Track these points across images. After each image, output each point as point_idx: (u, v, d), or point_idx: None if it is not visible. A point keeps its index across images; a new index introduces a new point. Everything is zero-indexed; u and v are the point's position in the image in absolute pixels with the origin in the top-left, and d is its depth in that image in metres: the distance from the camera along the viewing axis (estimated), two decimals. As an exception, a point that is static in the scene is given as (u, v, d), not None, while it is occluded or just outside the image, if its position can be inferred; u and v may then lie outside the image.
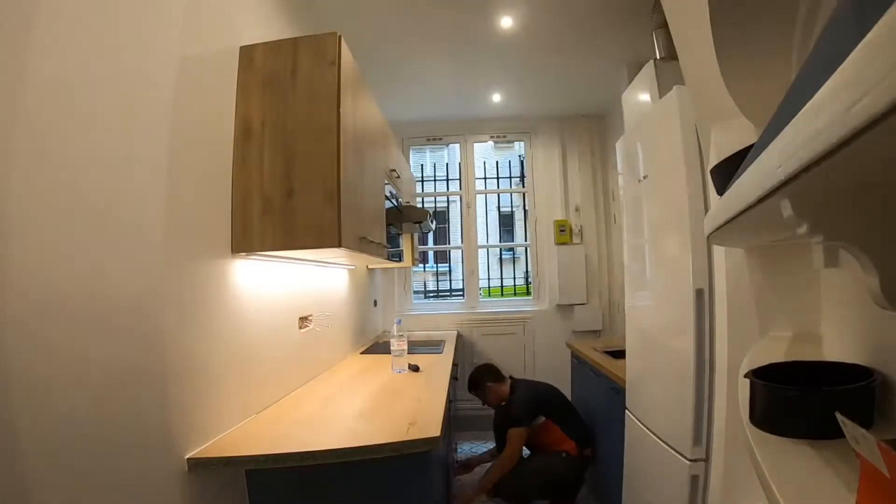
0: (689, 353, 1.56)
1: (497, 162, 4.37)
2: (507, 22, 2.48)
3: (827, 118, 0.29)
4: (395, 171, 2.51)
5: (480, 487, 2.51)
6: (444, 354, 2.74)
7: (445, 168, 4.33)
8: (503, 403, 2.79)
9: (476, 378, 2.86)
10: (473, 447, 3.47)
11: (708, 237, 1.02)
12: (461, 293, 4.25)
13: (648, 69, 2.09)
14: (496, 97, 3.59)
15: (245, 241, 1.46)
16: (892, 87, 0.22)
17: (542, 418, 2.62)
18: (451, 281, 4.68)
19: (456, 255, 4.89)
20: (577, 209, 3.98)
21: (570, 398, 3.25)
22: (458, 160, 4.18)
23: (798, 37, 0.94)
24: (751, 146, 0.69)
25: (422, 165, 4.53)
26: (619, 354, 2.47)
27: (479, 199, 4.22)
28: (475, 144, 4.17)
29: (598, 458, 2.60)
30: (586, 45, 2.75)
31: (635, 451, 2.03)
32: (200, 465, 1.20)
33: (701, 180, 1.55)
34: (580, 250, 3.90)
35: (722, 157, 0.98)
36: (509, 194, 4.50)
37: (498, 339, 3.89)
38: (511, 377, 2.88)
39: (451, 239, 6.91)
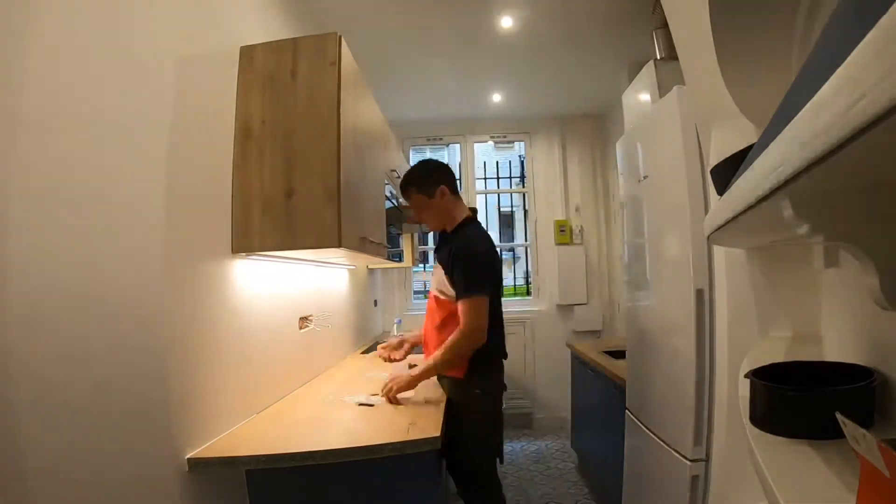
0: (690, 353, 1.56)
1: (497, 162, 4.37)
2: (507, 22, 2.47)
3: (827, 118, 0.29)
4: (395, 171, 2.51)
5: (420, 373, 1.67)
6: (444, 354, 2.73)
7: (445, 168, 4.32)
8: (446, 233, 1.81)
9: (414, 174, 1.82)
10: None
11: (708, 237, 1.02)
12: (461, 293, 4.24)
13: (648, 69, 2.09)
14: (496, 97, 3.59)
15: (245, 241, 1.46)
16: (892, 87, 0.22)
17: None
18: (451, 281, 4.66)
19: (456, 255, 4.88)
20: (577, 209, 3.97)
21: (569, 397, 3.24)
22: (458, 160, 4.18)
23: (798, 37, 0.94)
24: (751, 146, 0.69)
25: (422, 165, 4.52)
26: (619, 354, 2.47)
27: (480, 199, 4.21)
28: (475, 144, 4.16)
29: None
30: (586, 45, 2.75)
31: (635, 451, 2.03)
32: (200, 465, 1.20)
33: (701, 180, 1.55)
34: (580, 250, 3.90)
35: (722, 158, 0.98)
36: (509, 194, 4.50)
37: (498, 339, 3.88)
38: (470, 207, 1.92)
39: (451, 239, 6.89)
